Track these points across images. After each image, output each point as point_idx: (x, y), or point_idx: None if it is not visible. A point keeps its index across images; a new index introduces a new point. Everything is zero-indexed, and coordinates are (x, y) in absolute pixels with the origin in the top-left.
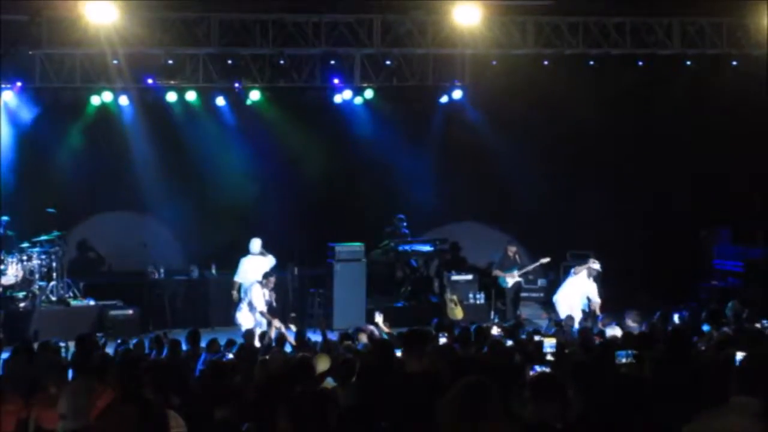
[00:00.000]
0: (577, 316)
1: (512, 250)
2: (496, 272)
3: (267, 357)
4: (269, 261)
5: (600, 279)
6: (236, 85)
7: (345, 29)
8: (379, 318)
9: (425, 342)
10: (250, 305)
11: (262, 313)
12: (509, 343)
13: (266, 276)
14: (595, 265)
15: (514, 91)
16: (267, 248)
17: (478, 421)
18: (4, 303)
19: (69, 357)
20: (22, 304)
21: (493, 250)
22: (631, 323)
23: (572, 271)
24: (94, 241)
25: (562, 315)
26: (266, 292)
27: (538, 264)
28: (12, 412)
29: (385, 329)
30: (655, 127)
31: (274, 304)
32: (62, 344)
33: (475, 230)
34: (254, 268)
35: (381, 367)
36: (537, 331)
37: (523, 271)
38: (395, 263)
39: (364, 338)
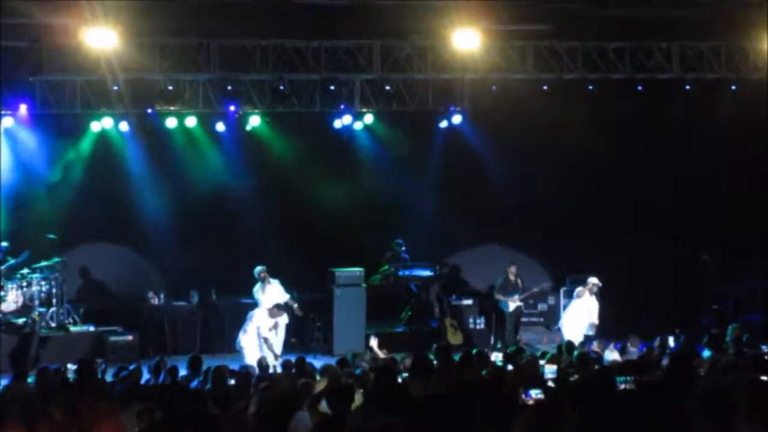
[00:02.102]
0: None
1: (513, 272)
2: (498, 296)
3: (268, 382)
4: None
5: (600, 295)
6: (235, 110)
7: (345, 54)
8: (374, 342)
9: (431, 367)
10: (258, 331)
11: (265, 340)
12: (509, 368)
13: (278, 307)
14: (594, 280)
15: (514, 116)
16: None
17: None
18: (3, 329)
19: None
20: (22, 330)
21: (494, 275)
22: (631, 348)
23: (575, 294)
24: (94, 267)
25: (568, 339)
26: (271, 321)
27: (539, 289)
28: None
29: (380, 354)
30: (655, 150)
31: (277, 335)
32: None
33: (475, 254)
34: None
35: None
36: (535, 356)
37: (525, 295)
38: (395, 288)
39: (363, 363)
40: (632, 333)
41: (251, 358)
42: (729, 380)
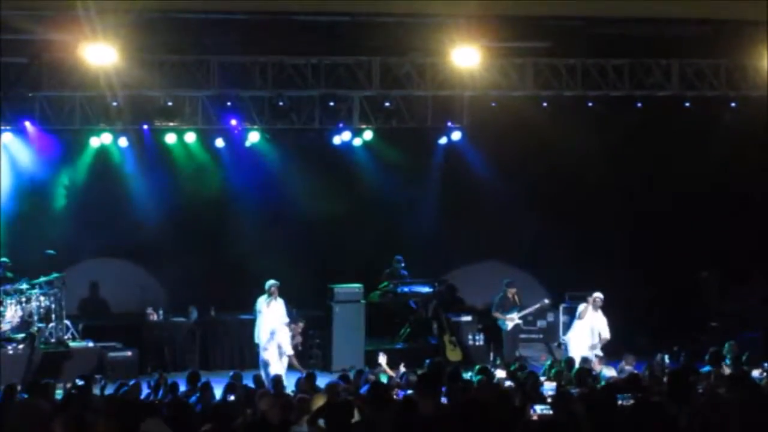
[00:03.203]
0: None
1: (512, 291)
2: (496, 314)
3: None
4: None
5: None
6: (235, 126)
7: (344, 71)
8: (382, 359)
9: (440, 383)
10: (279, 348)
11: (289, 357)
12: (508, 384)
13: (294, 321)
14: (596, 294)
15: (513, 133)
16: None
17: None
18: (2, 345)
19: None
20: (20, 346)
21: (493, 291)
22: (626, 367)
23: (579, 313)
24: (93, 282)
25: (573, 354)
26: (290, 335)
27: (538, 306)
28: None
29: (389, 371)
30: (654, 167)
31: (300, 347)
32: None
33: (474, 271)
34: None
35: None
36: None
37: (523, 313)
38: (394, 305)
39: (371, 377)
40: (628, 351)
41: (276, 372)
42: (725, 397)
